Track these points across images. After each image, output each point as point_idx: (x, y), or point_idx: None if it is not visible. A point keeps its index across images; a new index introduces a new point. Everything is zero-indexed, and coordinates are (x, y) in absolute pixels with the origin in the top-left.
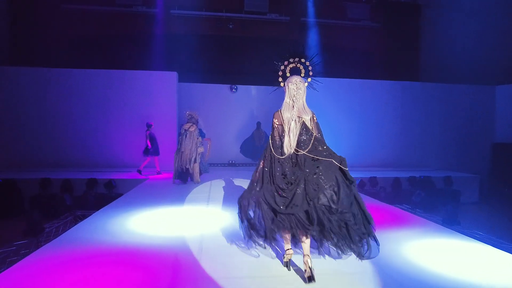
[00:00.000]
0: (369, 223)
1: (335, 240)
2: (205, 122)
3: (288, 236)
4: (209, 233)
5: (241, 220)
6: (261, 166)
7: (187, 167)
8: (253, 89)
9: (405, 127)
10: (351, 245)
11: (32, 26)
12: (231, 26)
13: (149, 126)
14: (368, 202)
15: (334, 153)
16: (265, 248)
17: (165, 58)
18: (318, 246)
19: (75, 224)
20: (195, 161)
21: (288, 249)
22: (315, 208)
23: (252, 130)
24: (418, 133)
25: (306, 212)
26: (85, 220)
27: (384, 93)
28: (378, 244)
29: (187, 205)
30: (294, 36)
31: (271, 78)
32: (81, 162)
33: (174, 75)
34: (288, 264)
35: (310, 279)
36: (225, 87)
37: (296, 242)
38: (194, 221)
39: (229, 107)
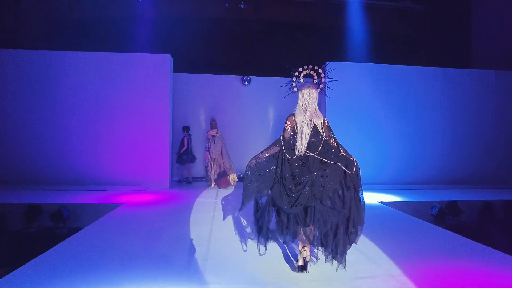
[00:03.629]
0: (354, 226)
1: (323, 239)
2: (208, 121)
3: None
4: None
5: (256, 221)
6: (273, 152)
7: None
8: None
9: (467, 129)
10: (330, 252)
11: (12, 7)
12: (242, 6)
13: (186, 128)
14: (455, 243)
15: (344, 155)
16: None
17: (160, 44)
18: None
19: None
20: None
21: (304, 246)
22: (315, 208)
23: (268, 132)
24: (489, 137)
25: (306, 210)
26: None
27: (433, 82)
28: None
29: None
30: (319, 19)
31: (291, 69)
32: (30, 176)
33: (167, 58)
34: (304, 267)
35: (302, 268)
36: (236, 79)
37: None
38: None
39: (241, 103)
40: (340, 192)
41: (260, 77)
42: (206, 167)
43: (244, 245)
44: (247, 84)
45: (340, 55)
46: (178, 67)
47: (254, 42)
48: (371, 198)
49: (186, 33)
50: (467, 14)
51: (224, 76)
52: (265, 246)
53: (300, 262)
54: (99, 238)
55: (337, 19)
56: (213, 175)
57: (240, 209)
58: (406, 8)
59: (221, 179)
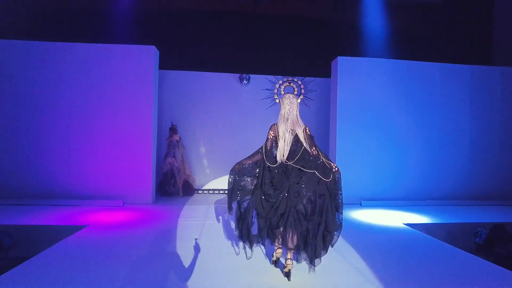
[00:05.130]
0: (329, 232)
1: (296, 243)
2: (202, 126)
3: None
4: None
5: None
6: (257, 159)
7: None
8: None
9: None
10: (307, 254)
11: None
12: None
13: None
14: None
15: (322, 164)
16: (250, 249)
17: (148, 38)
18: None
19: None
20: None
21: (278, 247)
22: (290, 213)
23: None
24: None
25: (282, 214)
26: None
27: (459, 81)
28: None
29: None
30: (327, 13)
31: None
32: None
33: (151, 51)
34: (288, 275)
35: (287, 274)
36: (233, 78)
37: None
38: None
39: (238, 105)
40: (313, 199)
41: (261, 75)
42: (169, 175)
43: (236, 249)
44: (246, 84)
45: (351, 50)
46: (167, 64)
47: (254, 36)
48: (392, 218)
49: (177, 26)
50: (489, 8)
51: (219, 74)
52: (251, 249)
53: (286, 269)
54: (37, 275)
55: (346, 12)
56: (180, 182)
57: (229, 212)
58: (424, 2)
59: (186, 186)
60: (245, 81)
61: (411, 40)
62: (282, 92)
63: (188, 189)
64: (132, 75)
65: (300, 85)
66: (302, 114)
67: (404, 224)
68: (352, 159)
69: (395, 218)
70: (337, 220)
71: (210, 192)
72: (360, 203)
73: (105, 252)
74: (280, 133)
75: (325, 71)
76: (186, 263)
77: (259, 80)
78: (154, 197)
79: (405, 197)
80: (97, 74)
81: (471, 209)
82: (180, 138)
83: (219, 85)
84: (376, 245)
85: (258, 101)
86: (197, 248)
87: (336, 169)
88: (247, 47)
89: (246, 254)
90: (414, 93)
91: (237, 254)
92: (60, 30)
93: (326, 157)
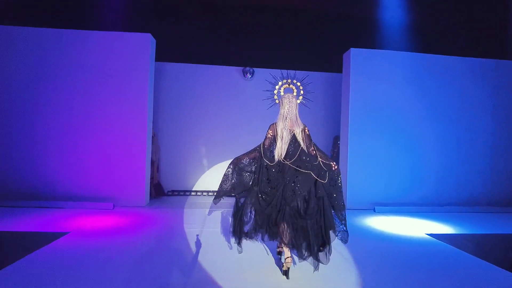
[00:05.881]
0: (326, 231)
1: (294, 241)
2: (202, 124)
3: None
4: None
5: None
6: (253, 156)
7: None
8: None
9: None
10: (305, 251)
11: None
12: None
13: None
14: None
15: (319, 165)
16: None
17: (144, 28)
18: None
19: None
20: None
21: (288, 257)
22: (285, 211)
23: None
24: None
25: (278, 212)
26: None
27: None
28: (329, 253)
29: None
30: (338, 6)
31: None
32: None
33: (147, 38)
34: (287, 273)
35: (286, 273)
36: (236, 71)
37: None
38: None
39: (241, 100)
40: (307, 198)
41: (266, 69)
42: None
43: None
44: (250, 78)
45: (363, 44)
46: (165, 56)
47: (259, 27)
48: (411, 226)
49: (177, 15)
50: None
51: (221, 68)
52: (239, 244)
53: (284, 268)
54: None
55: (358, 3)
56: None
57: (215, 202)
58: None
59: (155, 188)
60: (249, 75)
61: (428, 33)
62: (282, 93)
63: (155, 192)
64: (125, 65)
65: (299, 86)
66: (311, 114)
67: (427, 234)
68: (365, 161)
69: (415, 227)
70: (337, 220)
71: (210, 194)
72: (373, 209)
73: (84, 267)
74: (279, 132)
75: (334, 66)
76: (183, 278)
77: (263, 75)
78: (148, 199)
79: (421, 203)
80: (85, 65)
81: (496, 217)
82: (155, 134)
83: (221, 79)
84: (396, 257)
85: (262, 97)
86: (194, 262)
87: (336, 167)
88: (252, 39)
89: (238, 249)
90: (431, 90)
91: (231, 248)
92: (43, 14)
93: (326, 157)
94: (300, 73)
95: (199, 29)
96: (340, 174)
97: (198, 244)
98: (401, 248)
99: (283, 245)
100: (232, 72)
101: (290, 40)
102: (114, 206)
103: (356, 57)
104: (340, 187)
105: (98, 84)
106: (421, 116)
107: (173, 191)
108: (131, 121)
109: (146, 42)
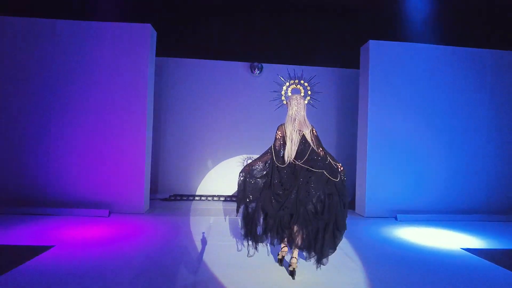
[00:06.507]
0: (339, 231)
1: (306, 242)
2: (207, 124)
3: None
4: None
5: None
6: (265, 159)
7: None
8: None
9: None
10: (315, 252)
11: None
12: None
13: None
14: None
15: (329, 164)
16: (255, 248)
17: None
18: (290, 246)
19: None
20: None
21: (283, 246)
22: (299, 213)
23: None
24: None
25: (291, 215)
26: None
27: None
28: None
29: None
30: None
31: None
32: None
33: (147, 29)
34: (293, 273)
35: (292, 273)
36: (243, 67)
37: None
38: None
39: (249, 97)
40: (322, 198)
41: (275, 65)
42: None
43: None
44: (258, 74)
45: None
46: (168, 51)
47: (267, 19)
48: (441, 238)
49: (180, 7)
50: None
51: (228, 63)
52: (256, 248)
53: (291, 268)
54: None
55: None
56: None
57: (237, 212)
58: None
59: None
60: (257, 71)
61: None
62: (289, 94)
63: None
64: (123, 59)
65: (306, 86)
66: (323, 113)
67: (462, 248)
68: (386, 164)
69: (447, 239)
70: (344, 220)
71: (215, 199)
72: (395, 217)
73: (70, 286)
74: (288, 134)
75: (347, 62)
76: None
77: (272, 70)
78: (147, 205)
79: (450, 210)
80: (80, 59)
81: None
82: None
83: (227, 75)
84: (431, 274)
85: (271, 95)
86: (196, 280)
87: (342, 168)
88: (260, 32)
89: (248, 252)
90: (462, 85)
91: (239, 250)
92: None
93: (333, 158)
94: (310, 70)
95: (204, 22)
96: (345, 175)
97: (200, 258)
98: (432, 265)
99: (292, 247)
100: (239, 67)
101: (300, 33)
102: (110, 213)
103: (375, 50)
104: (346, 187)
105: (94, 82)
106: (451, 112)
107: (175, 195)
108: (129, 122)
109: (146, 33)
